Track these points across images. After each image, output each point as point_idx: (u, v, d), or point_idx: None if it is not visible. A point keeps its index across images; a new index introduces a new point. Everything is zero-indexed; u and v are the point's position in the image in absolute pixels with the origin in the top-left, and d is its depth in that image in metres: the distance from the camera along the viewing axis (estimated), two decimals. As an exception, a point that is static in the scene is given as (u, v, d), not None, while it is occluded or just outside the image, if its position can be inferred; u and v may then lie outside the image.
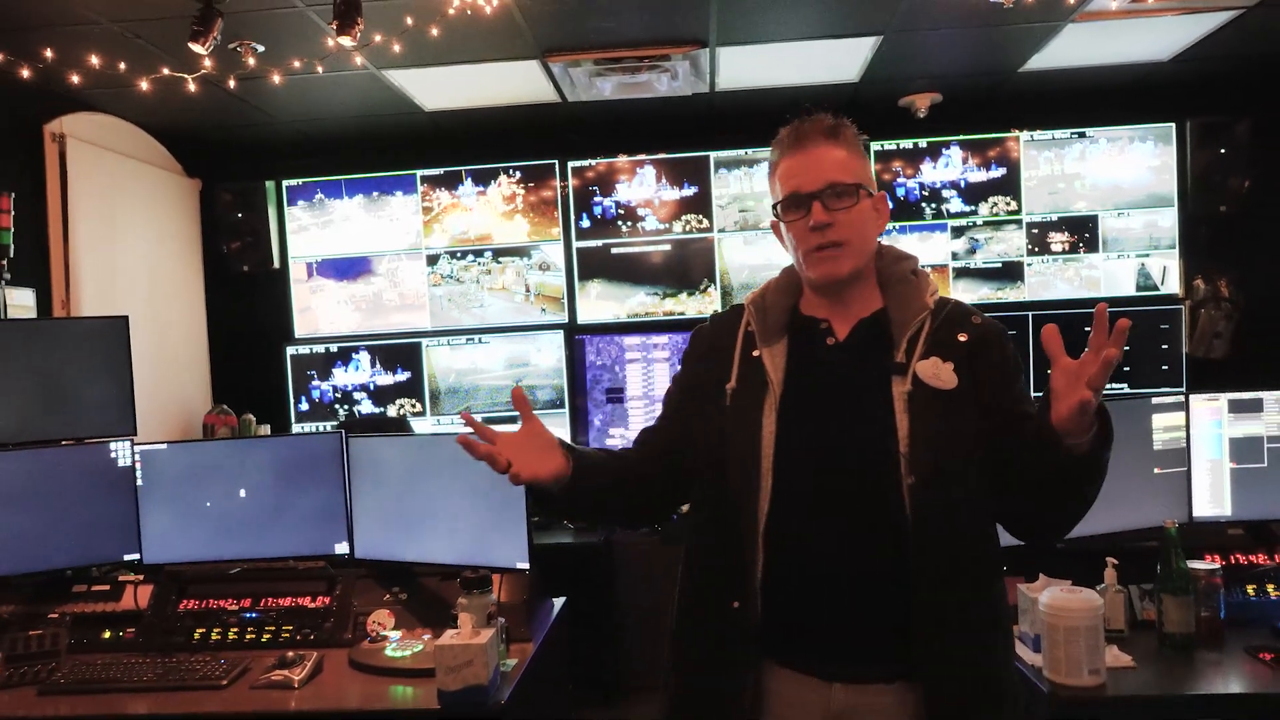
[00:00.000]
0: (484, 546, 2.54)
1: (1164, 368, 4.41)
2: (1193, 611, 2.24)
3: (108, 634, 2.62)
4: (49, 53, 3.07)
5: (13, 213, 3.22)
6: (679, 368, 1.73)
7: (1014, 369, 1.55)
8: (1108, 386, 1.31)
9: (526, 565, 2.52)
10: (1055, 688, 2.00)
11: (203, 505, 2.77)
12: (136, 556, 2.76)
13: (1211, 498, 2.60)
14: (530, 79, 3.91)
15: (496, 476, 2.67)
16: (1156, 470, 2.58)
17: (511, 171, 4.73)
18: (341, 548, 2.75)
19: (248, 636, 2.61)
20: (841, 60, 3.90)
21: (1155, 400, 2.61)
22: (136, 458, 2.78)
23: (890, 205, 1.62)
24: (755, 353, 1.55)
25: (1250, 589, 2.43)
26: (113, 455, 2.78)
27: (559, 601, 2.80)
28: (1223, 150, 4.30)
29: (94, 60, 3.06)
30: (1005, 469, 1.43)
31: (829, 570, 1.44)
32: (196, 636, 2.60)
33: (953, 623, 1.42)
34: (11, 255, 3.24)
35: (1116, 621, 2.31)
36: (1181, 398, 2.62)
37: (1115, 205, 4.49)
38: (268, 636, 2.59)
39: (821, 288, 1.55)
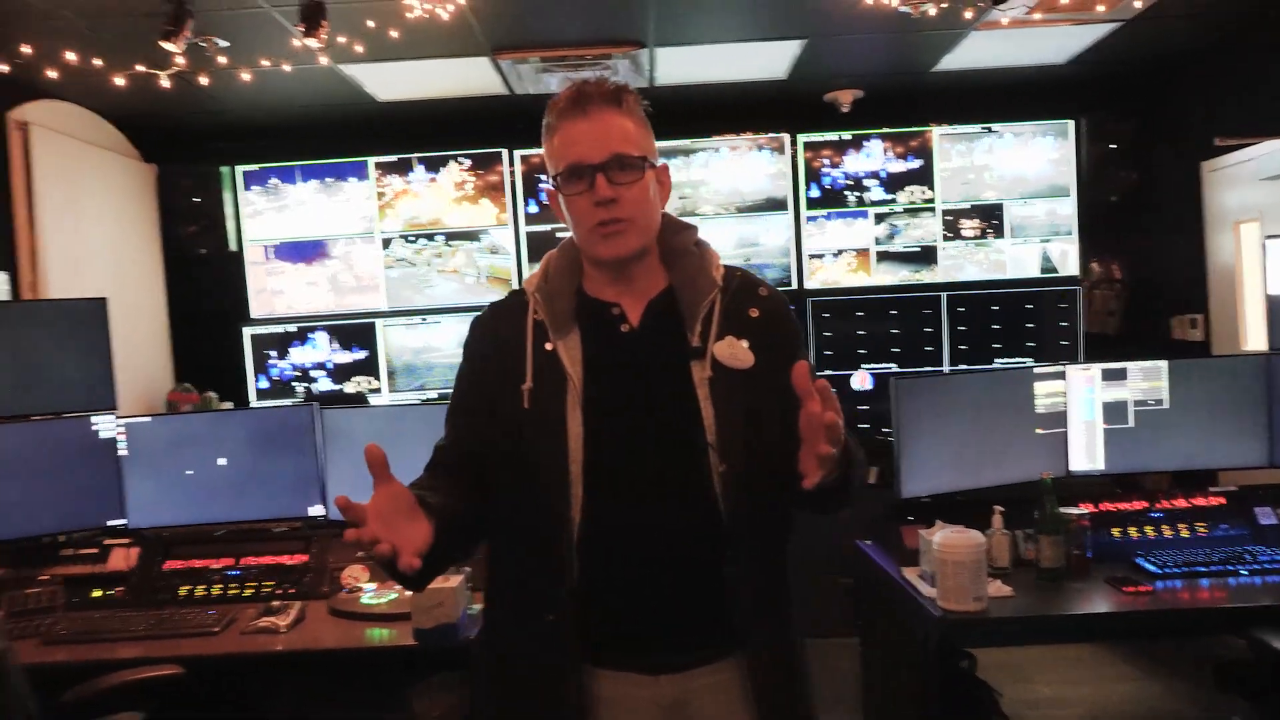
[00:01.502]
0: (449, 505, 2.82)
1: (1064, 343, 4.85)
2: (1064, 550, 2.62)
3: (98, 593, 2.84)
4: (18, 45, 3.23)
5: (-15, 200, 3.37)
6: (461, 365, 1.57)
7: (799, 341, 1.56)
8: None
9: (488, 521, 2.80)
10: (945, 613, 2.35)
11: (184, 473, 2.99)
12: (122, 521, 2.97)
13: (1087, 454, 3.00)
14: (480, 73, 4.15)
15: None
16: (1039, 431, 2.97)
17: (461, 159, 4.95)
18: (316, 510, 3.00)
19: (230, 592, 2.85)
20: (771, 59, 4.22)
21: (1037, 370, 3.00)
22: (119, 430, 2.98)
23: (671, 180, 1.54)
24: (549, 346, 1.45)
25: (1115, 531, 2.83)
26: (94, 428, 2.98)
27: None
28: (1112, 145, 4.73)
29: (61, 53, 3.23)
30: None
31: (645, 568, 1.41)
32: (183, 593, 2.83)
33: (762, 598, 1.45)
34: (-15, 241, 3.39)
35: (1002, 560, 2.68)
36: (1061, 367, 3.01)
37: (1020, 194, 4.90)
38: (250, 591, 2.84)
39: (606, 265, 1.46)
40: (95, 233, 4.22)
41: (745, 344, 1.44)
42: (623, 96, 1.43)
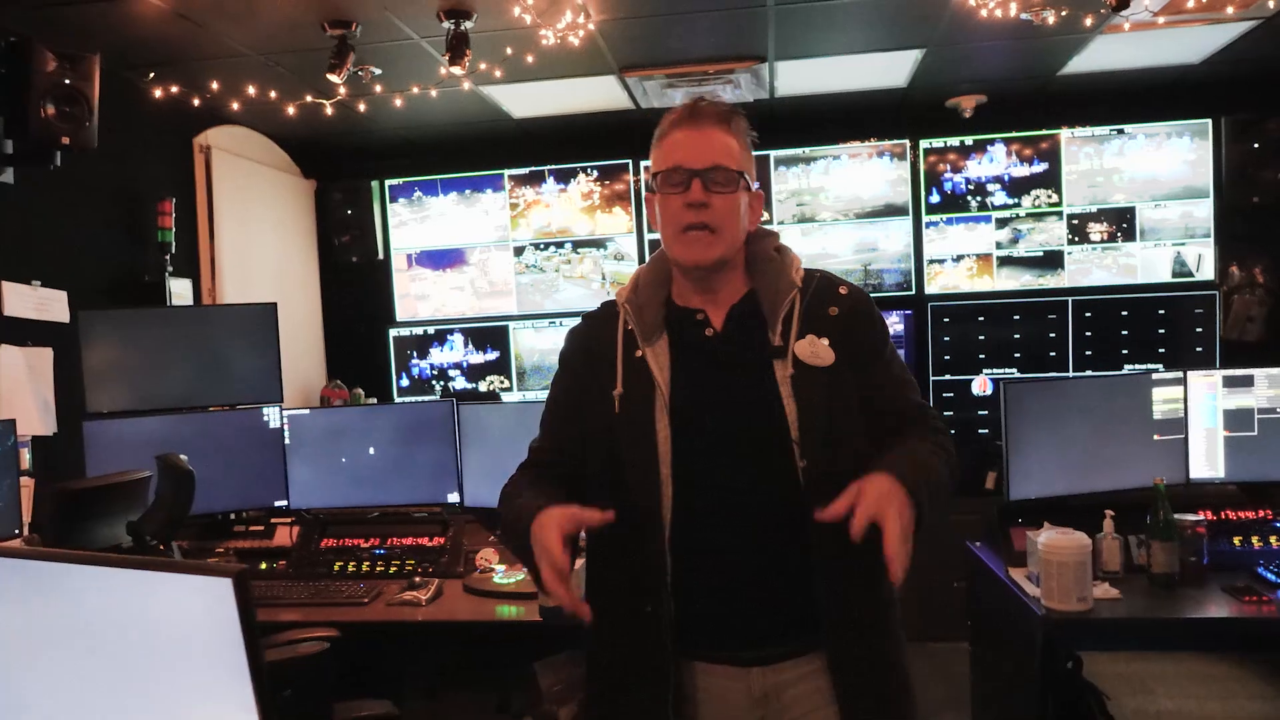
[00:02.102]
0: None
1: (1198, 350, 4.70)
2: (1177, 556, 2.61)
3: (264, 565, 3.19)
4: (208, 80, 3.67)
5: (174, 214, 3.82)
6: (557, 373, 1.68)
7: (884, 335, 1.60)
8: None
9: (609, 511, 3.01)
10: (1049, 612, 2.40)
11: (339, 461, 3.32)
12: (285, 502, 3.33)
13: (1207, 461, 2.96)
14: (608, 91, 4.38)
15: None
16: (1156, 437, 2.94)
17: (590, 170, 5.21)
18: (453, 497, 3.28)
19: (377, 569, 3.15)
20: (890, 68, 4.28)
21: (1155, 376, 2.98)
22: (285, 421, 3.34)
23: (765, 207, 1.64)
24: (638, 353, 1.52)
25: (1236, 540, 2.79)
26: (265, 419, 3.35)
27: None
28: (1255, 145, 4.55)
29: (243, 85, 3.65)
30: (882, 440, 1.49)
31: (736, 562, 1.47)
32: (336, 568, 3.14)
33: (850, 593, 1.47)
34: (174, 251, 3.84)
35: (1113, 564, 2.69)
36: (1180, 374, 2.98)
37: (1152, 197, 4.78)
38: (394, 569, 3.13)
39: (689, 272, 1.54)
40: (263, 243, 4.68)
41: (825, 342, 1.49)
42: (733, 118, 1.52)
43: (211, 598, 0.90)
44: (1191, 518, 2.68)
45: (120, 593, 0.96)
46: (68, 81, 2.95)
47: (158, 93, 3.56)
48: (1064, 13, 3.14)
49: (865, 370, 1.52)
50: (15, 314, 3.17)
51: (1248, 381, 2.93)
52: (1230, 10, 3.16)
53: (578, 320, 1.70)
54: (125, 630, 0.96)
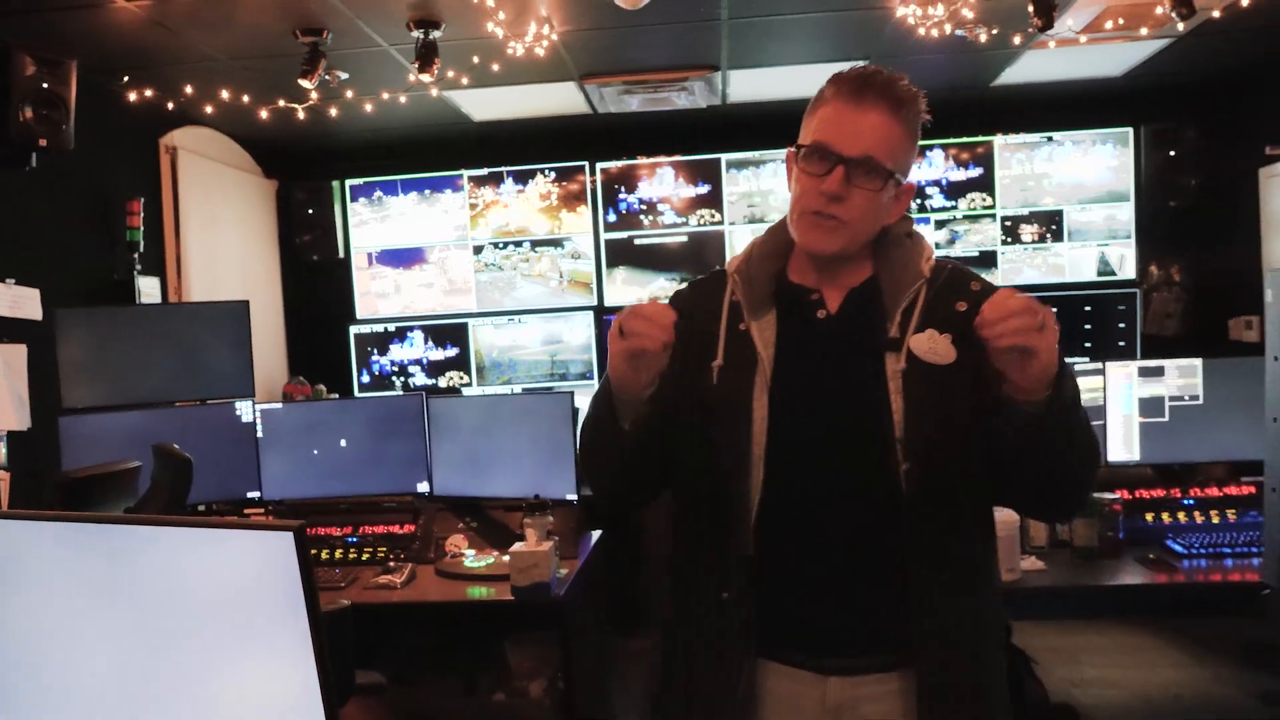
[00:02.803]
0: (540, 482, 3.19)
1: (1120, 344, 5.02)
2: (1096, 531, 2.87)
3: (240, 554, 3.30)
4: (181, 83, 3.75)
5: (142, 214, 3.89)
6: None
7: None
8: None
9: (575, 497, 3.18)
10: (980, 582, 2.64)
11: (311, 453, 3.44)
12: (258, 494, 3.44)
13: (1124, 445, 3.23)
14: (567, 96, 4.55)
15: (550, 426, 3.30)
16: (1078, 423, 3.21)
17: (547, 172, 5.37)
18: (423, 486, 3.42)
19: (350, 556, 3.28)
20: (835, 77, 4.50)
21: (1076, 367, 3.24)
22: (258, 415, 3.45)
23: (910, 198, 1.49)
24: (742, 326, 1.43)
25: (1149, 516, 3.06)
26: (237, 413, 3.46)
27: (596, 533, 3.45)
28: (1172, 153, 4.89)
29: (212, 89, 3.74)
30: (1000, 454, 1.34)
31: (821, 560, 1.37)
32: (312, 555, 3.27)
33: (949, 607, 1.35)
34: (142, 250, 3.92)
35: (1040, 539, 2.94)
36: (1100, 365, 3.25)
37: (1079, 200, 5.10)
38: (367, 556, 3.26)
39: (804, 253, 1.44)
40: (227, 242, 4.75)
41: (948, 338, 1.34)
42: (904, 105, 1.36)
43: (272, 552, 1.00)
44: (1109, 496, 2.94)
45: (185, 551, 1.05)
46: (46, 86, 3.03)
47: (131, 96, 3.64)
48: (995, 30, 3.39)
49: (989, 372, 1.31)
50: (-10, 311, 3.24)
51: (1160, 372, 3.21)
52: (1144, 30, 3.44)
53: (682, 285, 1.62)
54: (188, 588, 1.04)
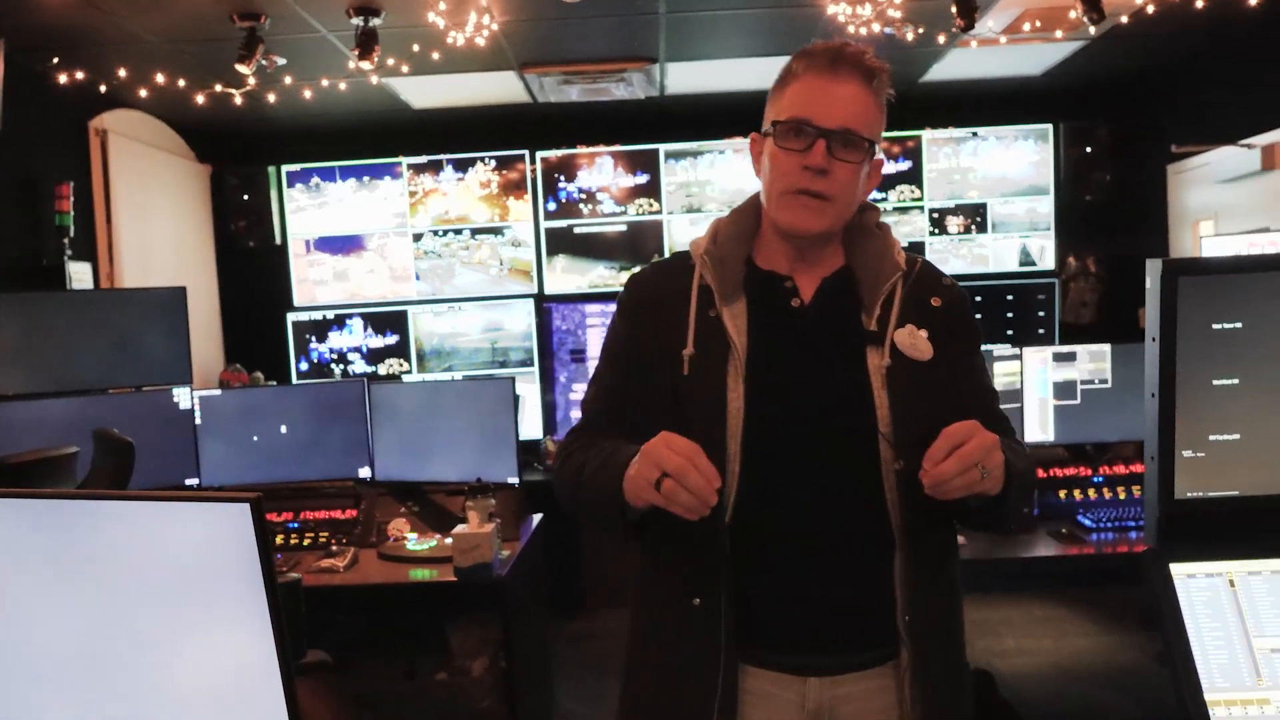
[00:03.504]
0: (481, 466, 3.25)
1: (1040, 332, 5.25)
2: (1012, 507, 3.04)
3: (179, 540, 3.30)
4: (113, 65, 3.69)
5: (72, 198, 3.83)
6: (616, 321, 1.49)
7: (977, 335, 1.48)
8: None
9: (516, 480, 3.25)
10: (904, 556, 2.79)
11: (251, 439, 3.45)
12: (196, 481, 3.43)
13: (1040, 427, 3.42)
14: (507, 85, 4.58)
15: (491, 410, 3.36)
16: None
17: (487, 160, 5.39)
18: (365, 471, 3.45)
19: (292, 541, 3.31)
20: (770, 71, 4.56)
21: (996, 352, 3.41)
22: (196, 401, 3.44)
23: (880, 175, 1.48)
24: (713, 312, 1.36)
25: (1062, 494, 3.24)
26: (175, 399, 3.44)
27: (537, 516, 3.52)
28: (1088, 149, 5.13)
29: (146, 72, 3.69)
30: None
31: (801, 560, 1.33)
32: (252, 541, 3.29)
33: (928, 606, 1.33)
34: (72, 235, 3.86)
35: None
36: (1017, 350, 3.43)
37: (1002, 194, 5.31)
38: (309, 541, 3.29)
39: (787, 237, 1.38)
40: (160, 227, 4.69)
41: (925, 334, 1.34)
42: (876, 75, 1.34)
43: (229, 523, 1.03)
44: (1024, 474, 3.12)
45: (142, 526, 1.08)
46: (-28, 66, 2.97)
47: (62, 79, 3.58)
48: (920, 30, 3.53)
49: (955, 372, 1.37)
50: (-86, 297, 3.17)
51: (1072, 357, 3.40)
52: (1059, 33, 3.62)
53: (640, 268, 1.53)
54: (146, 561, 1.07)
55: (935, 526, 1.35)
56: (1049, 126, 5.26)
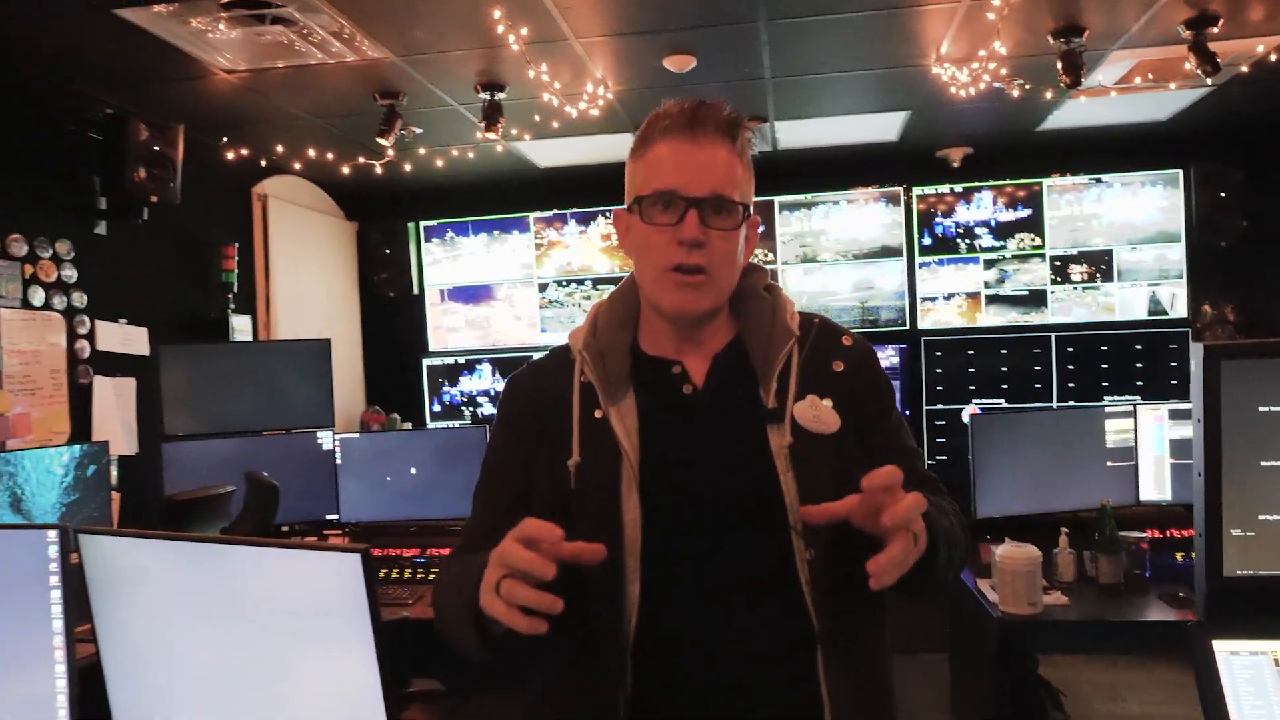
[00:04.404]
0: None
1: (1173, 383, 5.05)
2: (1121, 568, 2.97)
3: (318, 571, 3.60)
4: (272, 142, 4.14)
5: (236, 258, 4.28)
6: (496, 430, 1.34)
7: (889, 394, 1.34)
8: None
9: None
10: (1003, 614, 2.76)
11: (384, 479, 3.74)
12: (335, 516, 3.74)
13: (1155, 485, 3.33)
14: (624, 144, 4.77)
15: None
16: (1109, 463, 3.31)
17: (608, 214, 5.65)
18: (485, 512, 3.67)
19: (418, 575, 3.56)
20: (881, 125, 4.70)
21: (1108, 409, 3.36)
22: (337, 443, 3.76)
23: (758, 236, 1.35)
24: (598, 413, 1.23)
25: (1179, 555, 3.13)
26: (319, 441, 3.78)
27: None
28: (1222, 194, 4.93)
29: (299, 145, 4.12)
30: None
31: (716, 679, 1.18)
32: (382, 575, 3.56)
33: (863, 695, 1.21)
34: (235, 290, 4.31)
35: (1067, 575, 3.04)
36: (1130, 407, 3.35)
37: (1129, 240, 5.16)
38: (433, 576, 3.53)
39: (669, 318, 1.26)
40: (311, 281, 5.14)
41: (829, 403, 1.23)
42: (738, 132, 1.24)
43: (342, 571, 1.20)
44: (1136, 534, 3.03)
45: (270, 568, 1.26)
46: (157, 148, 3.42)
47: (229, 155, 4.04)
48: (1027, 86, 3.54)
49: (870, 437, 1.26)
50: (105, 348, 3.64)
51: (1189, 414, 3.29)
52: (1173, 85, 3.55)
53: (518, 370, 1.38)
54: (272, 599, 1.24)
55: (861, 624, 1.23)
56: (1179, 171, 5.09)
